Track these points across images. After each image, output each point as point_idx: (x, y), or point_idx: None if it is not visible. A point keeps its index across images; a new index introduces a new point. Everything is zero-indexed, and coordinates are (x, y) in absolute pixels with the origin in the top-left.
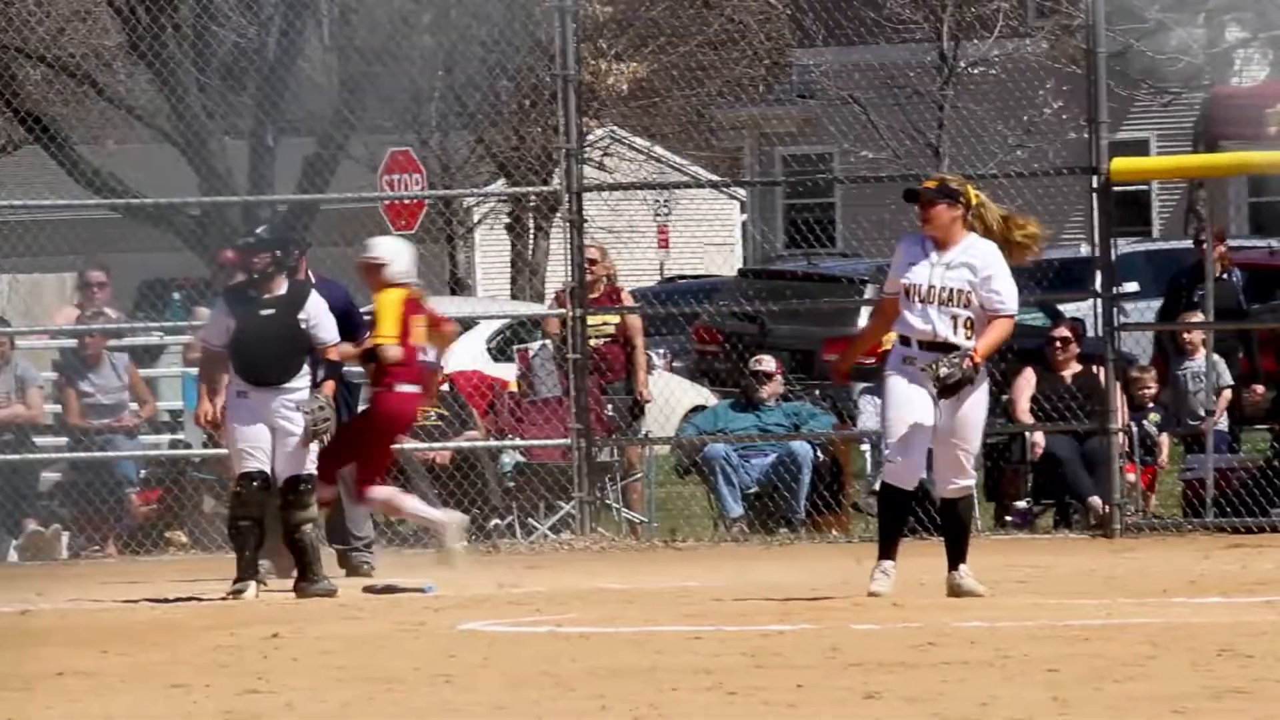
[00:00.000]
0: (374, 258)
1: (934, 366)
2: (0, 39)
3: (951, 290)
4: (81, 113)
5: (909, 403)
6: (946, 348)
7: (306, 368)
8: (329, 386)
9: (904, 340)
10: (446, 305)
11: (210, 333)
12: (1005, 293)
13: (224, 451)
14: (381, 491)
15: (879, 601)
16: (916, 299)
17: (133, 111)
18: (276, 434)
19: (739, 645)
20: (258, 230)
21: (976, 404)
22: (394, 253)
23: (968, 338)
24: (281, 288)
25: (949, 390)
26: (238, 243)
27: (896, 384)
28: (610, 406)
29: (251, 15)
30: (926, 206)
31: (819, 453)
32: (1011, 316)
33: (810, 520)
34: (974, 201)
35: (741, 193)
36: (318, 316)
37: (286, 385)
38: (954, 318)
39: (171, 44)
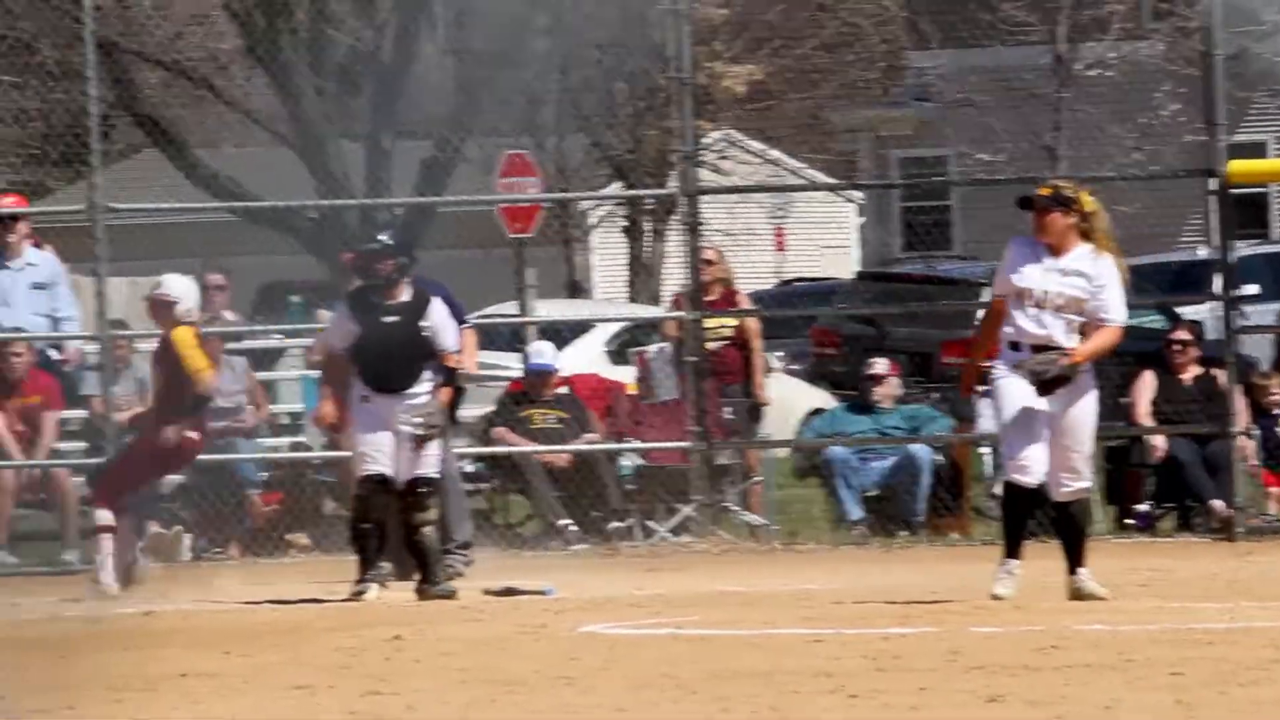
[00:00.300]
0: (164, 295)
1: (1030, 363)
2: (119, 43)
3: (1066, 297)
4: (200, 116)
5: (1022, 403)
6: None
7: (429, 373)
8: (445, 393)
9: (1014, 345)
10: (564, 309)
11: (333, 337)
12: (1115, 303)
13: (344, 454)
14: (108, 516)
15: (1000, 604)
16: (1030, 303)
17: (250, 115)
18: (399, 438)
19: (860, 648)
20: (382, 236)
21: (1086, 406)
22: (184, 291)
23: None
24: (405, 294)
25: (1047, 387)
26: (362, 248)
27: (1008, 385)
28: (728, 409)
29: (367, 19)
30: (1041, 214)
31: (938, 455)
32: (1119, 326)
33: (930, 523)
34: (1088, 209)
35: (857, 195)
36: (441, 323)
37: (409, 391)
38: (1067, 323)
39: (288, 47)
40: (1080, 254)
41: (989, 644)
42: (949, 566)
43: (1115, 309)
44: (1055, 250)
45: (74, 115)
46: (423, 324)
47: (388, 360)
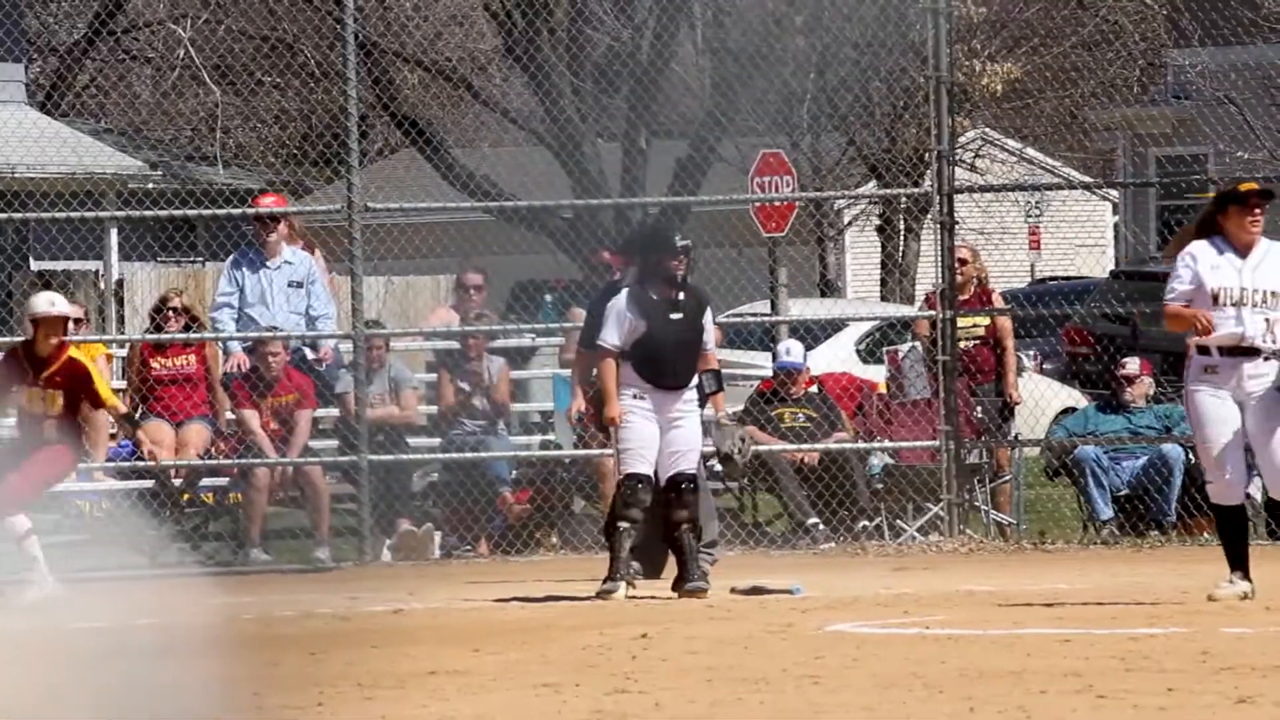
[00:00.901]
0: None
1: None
2: (379, 43)
3: (1264, 292)
4: (457, 116)
5: (1219, 420)
6: (1250, 352)
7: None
8: (719, 400)
9: (1202, 350)
10: (816, 308)
11: (612, 334)
12: None
13: (594, 453)
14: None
15: (1251, 605)
16: (1228, 303)
17: (507, 115)
18: (664, 435)
19: (1108, 648)
20: (676, 237)
21: None
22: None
23: (1273, 341)
24: (682, 293)
25: None
26: (676, 243)
27: (1203, 401)
28: (979, 408)
29: (625, 18)
30: (1261, 209)
31: (1190, 455)
32: None
33: (1181, 523)
34: None
35: (1114, 194)
36: (710, 322)
37: (685, 388)
38: (1266, 320)
39: (546, 47)
40: (1267, 248)
41: (1239, 645)
42: (1199, 567)
43: None
44: (1244, 247)
45: (333, 116)
46: (703, 322)
47: (671, 358)
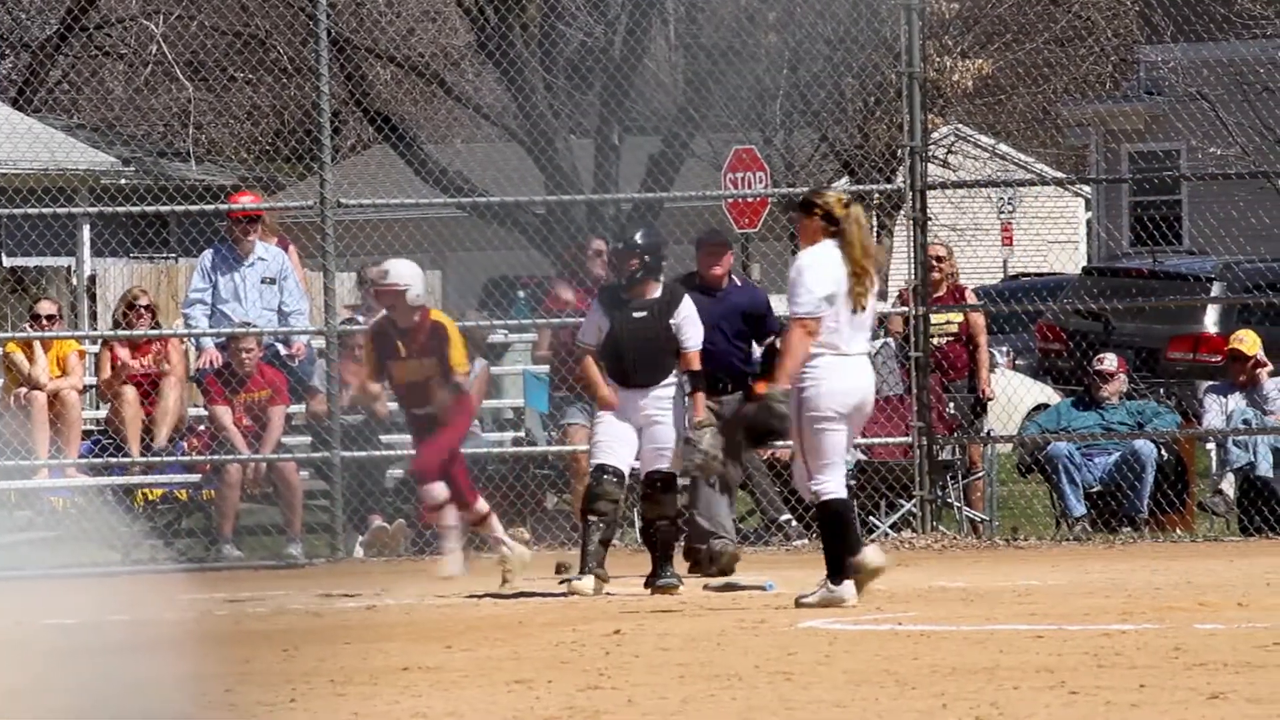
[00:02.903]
0: (395, 284)
1: None
2: (352, 39)
3: None
4: (430, 112)
5: None
6: None
7: (675, 372)
8: (699, 401)
9: None
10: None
11: (587, 333)
12: None
13: (566, 448)
14: (443, 489)
15: (1224, 601)
16: None
17: (480, 111)
18: (642, 433)
19: (1081, 644)
20: (633, 235)
21: None
22: (413, 276)
23: None
24: (655, 291)
25: None
26: (615, 246)
27: None
28: (952, 405)
29: (598, 14)
30: None
31: (1163, 452)
32: None
33: (1154, 520)
34: None
35: (1087, 190)
36: (686, 320)
37: (655, 386)
38: None
39: (519, 43)
40: None
41: (1212, 641)
42: (1172, 563)
43: None
44: None
45: (306, 112)
46: (672, 321)
47: (632, 356)
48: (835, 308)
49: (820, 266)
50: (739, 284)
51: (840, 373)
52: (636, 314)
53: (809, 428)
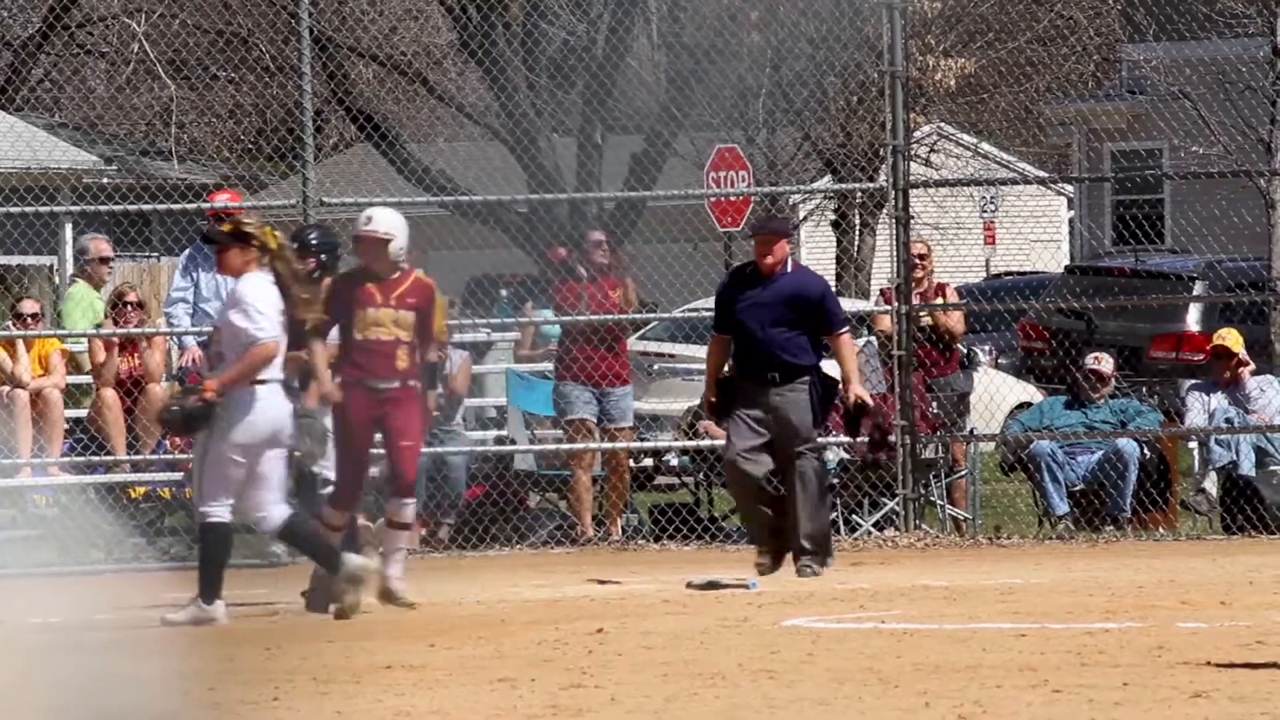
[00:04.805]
0: (375, 231)
1: None
2: (334, 38)
3: None
4: (412, 111)
5: None
6: None
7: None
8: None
9: None
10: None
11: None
12: None
13: (549, 447)
14: None
15: (1206, 599)
16: None
17: (463, 109)
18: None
19: (1064, 643)
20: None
21: None
22: (399, 227)
23: None
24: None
25: None
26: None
27: None
28: (935, 403)
29: (581, 13)
30: None
31: (1145, 450)
32: None
33: (1136, 518)
34: None
35: (1069, 189)
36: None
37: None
38: None
39: (501, 42)
40: None
41: (1195, 639)
42: (1155, 562)
43: None
44: None
45: (288, 110)
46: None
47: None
48: None
49: None
50: (789, 270)
51: None
52: None
53: None
